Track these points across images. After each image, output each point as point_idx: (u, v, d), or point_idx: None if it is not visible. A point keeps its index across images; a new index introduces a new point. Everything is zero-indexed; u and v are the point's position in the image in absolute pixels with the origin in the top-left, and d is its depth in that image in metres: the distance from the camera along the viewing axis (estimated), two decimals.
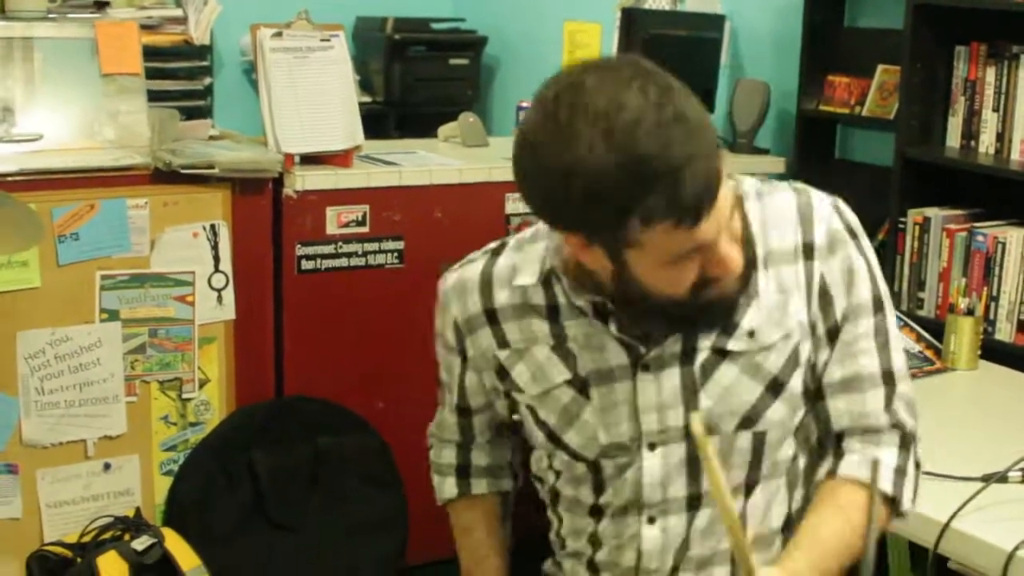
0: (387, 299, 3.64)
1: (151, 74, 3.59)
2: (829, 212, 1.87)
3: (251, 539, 3.48)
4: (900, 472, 1.90)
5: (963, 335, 3.19)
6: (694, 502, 1.91)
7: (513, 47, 5.87)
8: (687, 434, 1.88)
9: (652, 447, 1.89)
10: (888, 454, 1.90)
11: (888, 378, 1.90)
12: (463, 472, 2.20)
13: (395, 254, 3.63)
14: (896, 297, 3.79)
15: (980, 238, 3.61)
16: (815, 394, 1.91)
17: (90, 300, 3.27)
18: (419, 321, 3.70)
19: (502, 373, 1.99)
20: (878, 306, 1.89)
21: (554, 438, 1.97)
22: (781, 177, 4.43)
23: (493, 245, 2.04)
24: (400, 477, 3.64)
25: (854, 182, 4.27)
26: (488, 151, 4.15)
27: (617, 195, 1.59)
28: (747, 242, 1.83)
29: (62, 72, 3.44)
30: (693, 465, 1.89)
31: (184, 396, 3.43)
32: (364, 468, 3.61)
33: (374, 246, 3.60)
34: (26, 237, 2.43)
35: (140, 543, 3.18)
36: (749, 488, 1.91)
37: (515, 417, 2.06)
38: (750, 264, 1.82)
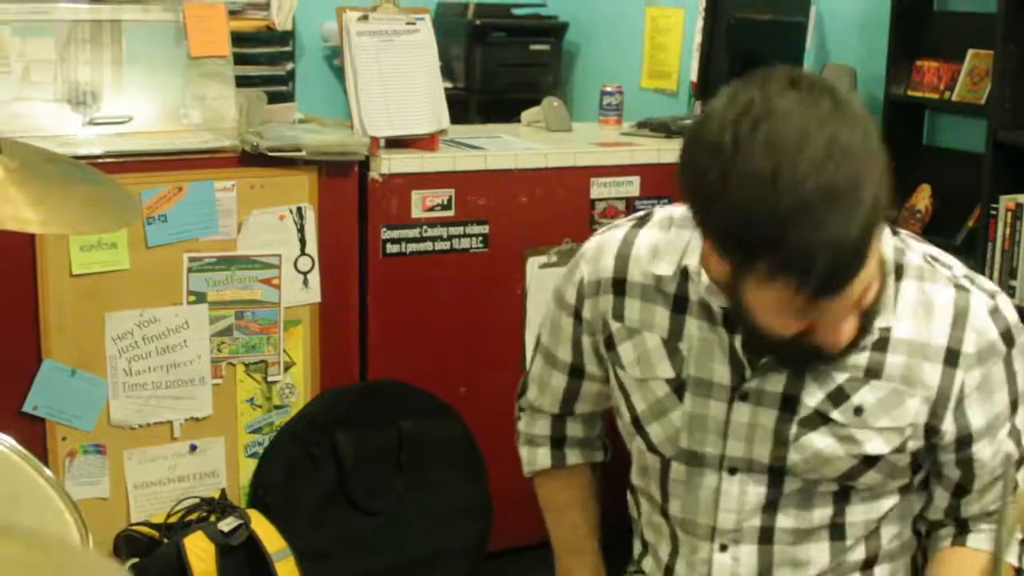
0: (472, 283, 3.64)
1: (234, 60, 3.59)
2: (985, 320, 1.81)
3: (334, 522, 3.48)
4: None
5: None
6: (767, 535, 1.91)
7: (594, 33, 5.84)
8: (770, 473, 1.87)
9: (733, 471, 1.89)
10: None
11: (1020, 464, 1.90)
12: (558, 443, 2.18)
13: (480, 238, 3.62)
14: None
15: None
16: (946, 487, 1.92)
17: (178, 282, 3.29)
18: (503, 305, 3.72)
19: (610, 343, 1.98)
20: (1014, 407, 1.86)
21: (637, 424, 1.97)
22: None
23: (640, 214, 2.00)
24: (483, 461, 3.63)
25: (942, 168, 4.21)
26: (572, 136, 4.13)
27: (746, 244, 1.54)
28: (872, 313, 1.75)
29: (150, 55, 3.45)
30: (771, 502, 1.89)
31: (269, 379, 3.44)
32: (447, 453, 3.61)
33: (459, 230, 3.59)
34: (120, 217, 2.43)
35: (226, 524, 3.20)
36: (833, 535, 1.92)
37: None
38: (864, 327, 1.74)
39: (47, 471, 2.10)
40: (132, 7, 3.48)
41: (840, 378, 1.80)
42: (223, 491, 3.40)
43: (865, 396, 1.81)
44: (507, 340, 3.71)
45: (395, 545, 3.52)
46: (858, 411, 1.81)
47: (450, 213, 3.57)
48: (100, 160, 3.14)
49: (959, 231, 4.02)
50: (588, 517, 2.16)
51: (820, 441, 1.83)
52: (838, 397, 1.81)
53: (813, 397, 1.81)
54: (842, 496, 1.89)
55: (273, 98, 3.80)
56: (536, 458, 2.19)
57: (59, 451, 3.22)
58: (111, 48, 3.41)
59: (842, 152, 1.49)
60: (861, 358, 1.80)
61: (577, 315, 2.03)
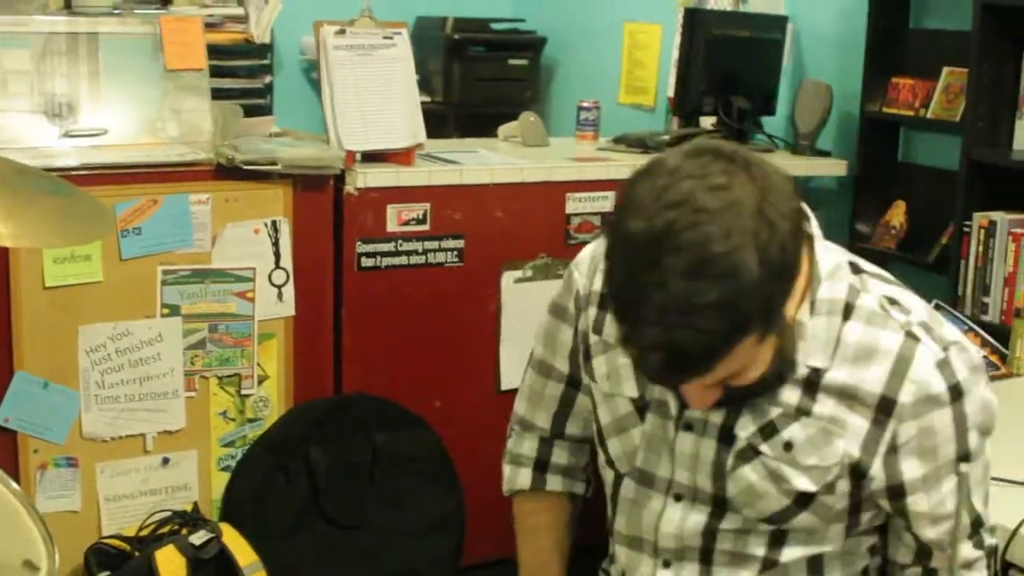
0: (447, 298, 3.64)
1: (212, 72, 3.58)
2: (929, 372, 1.75)
3: (308, 536, 3.48)
4: None
5: None
6: (707, 556, 1.90)
7: (572, 48, 5.86)
8: (713, 504, 1.87)
9: (678, 498, 1.90)
10: None
11: (976, 525, 1.86)
12: (541, 466, 2.16)
13: (455, 252, 3.62)
14: (961, 302, 3.75)
15: None
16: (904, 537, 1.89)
17: (151, 295, 3.28)
18: (478, 320, 3.72)
19: (587, 354, 2.00)
20: (963, 458, 1.79)
21: (600, 437, 1.99)
22: (841, 180, 4.40)
23: None
24: (457, 476, 3.63)
25: (917, 185, 4.24)
26: (549, 151, 4.14)
27: (616, 306, 1.62)
28: (786, 352, 1.75)
29: (126, 68, 3.45)
30: (710, 531, 1.88)
31: (243, 392, 3.43)
32: (421, 466, 3.60)
33: (434, 244, 3.59)
34: (92, 229, 2.43)
35: (198, 538, 3.19)
36: (767, 566, 1.90)
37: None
38: (787, 364, 1.75)
39: (14, 484, 2.09)
40: (109, 20, 3.49)
41: (773, 412, 1.80)
42: (195, 504, 3.40)
43: (795, 432, 1.79)
44: (482, 354, 3.71)
45: (368, 559, 3.51)
46: (787, 447, 1.79)
47: (425, 227, 3.58)
48: (76, 172, 3.13)
49: (933, 248, 4.05)
50: (556, 543, 2.14)
51: (751, 475, 1.82)
52: (769, 431, 1.80)
53: (746, 430, 1.81)
54: (778, 537, 1.87)
55: (251, 111, 3.81)
56: (517, 477, 2.17)
57: (31, 464, 3.21)
58: (88, 60, 3.41)
59: (713, 224, 1.52)
60: (793, 395, 1.79)
61: (576, 326, 2.04)
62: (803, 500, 1.82)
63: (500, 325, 3.71)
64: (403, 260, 3.56)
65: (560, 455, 2.16)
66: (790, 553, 1.88)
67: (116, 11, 3.61)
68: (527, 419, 2.17)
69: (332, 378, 3.57)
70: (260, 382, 3.45)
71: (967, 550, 1.85)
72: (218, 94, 3.63)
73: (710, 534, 1.88)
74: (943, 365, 1.76)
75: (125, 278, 3.24)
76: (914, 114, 4.12)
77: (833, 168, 4.38)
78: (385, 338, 3.60)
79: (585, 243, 3.66)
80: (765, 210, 1.54)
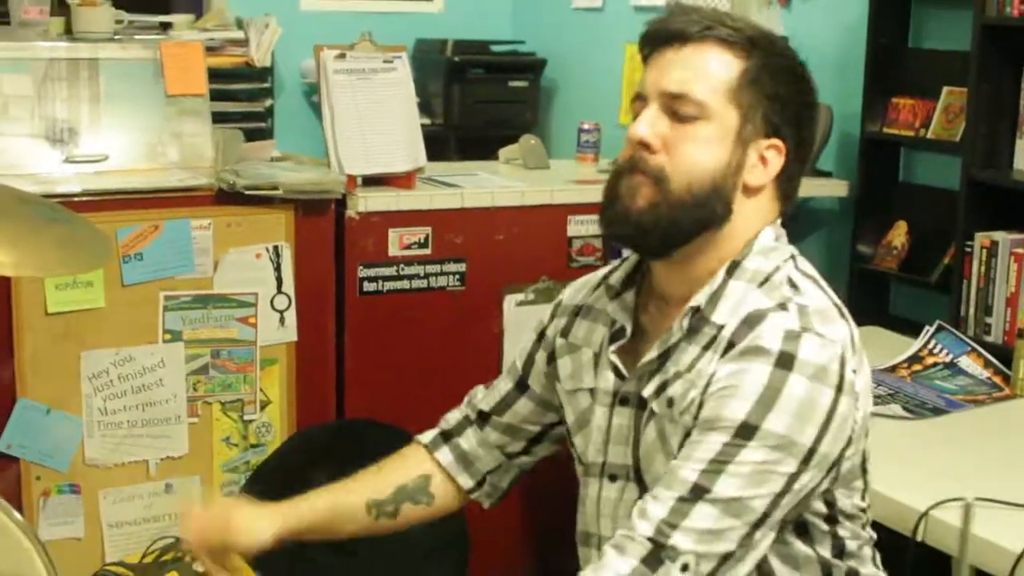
0: (449, 322, 3.63)
1: (212, 96, 3.60)
2: (770, 332, 1.71)
3: (311, 562, 3.46)
4: None
5: None
6: None
7: (572, 70, 5.86)
8: (638, 481, 1.87)
9: (613, 478, 1.92)
10: (621, 563, 1.68)
11: (696, 492, 1.68)
12: (446, 435, 2.22)
13: (457, 276, 3.62)
14: (963, 322, 3.74)
15: None
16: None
17: (153, 321, 3.28)
18: (481, 344, 3.72)
19: (551, 358, 2.07)
20: (745, 433, 1.67)
21: (569, 437, 2.05)
22: (842, 201, 4.40)
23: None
24: None
25: (918, 206, 4.23)
26: (550, 173, 4.14)
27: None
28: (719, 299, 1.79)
29: (127, 93, 3.46)
30: None
31: (246, 418, 3.43)
32: None
33: (436, 268, 3.59)
34: (93, 257, 2.43)
35: (201, 564, 3.17)
36: None
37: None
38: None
39: (16, 514, 2.09)
40: (110, 45, 3.50)
41: (670, 372, 1.81)
42: None
43: (677, 388, 1.78)
44: (484, 378, 3.66)
45: None
46: (669, 402, 1.79)
47: (427, 251, 3.57)
48: (77, 198, 3.14)
49: (935, 268, 4.04)
50: (366, 484, 2.29)
51: (649, 435, 1.84)
52: (660, 389, 1.82)
53: (648, 391, 1.83)
54: None
55: (252, 134, 3.81)
56: (426, 431, 2.27)
57: (33, 491, 3.20)
58: (89, 85, 3.42)
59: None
60: (691, 355, 1.79)
61: (541, 333, 2.12)
62: None
63: (503, 348, 3.70)
64: (405, 284, 3.56)
65: (469, 438, 2.20)
66: None
67: (117, 36, 3.61)
68: (474, 398, 2.25)
69: (335, 403, 3.56)
70: (263, 407, 3.44)
71: (653, 512, 1.69)
72: (219, 117, 3.63)
73: None
74: (790, 335, 1.70)
75: (127, 304, 3.23)
76: (914, 134, 4.12)
77: (834, 189, 4.38)
78: (387, 363, 3.59)
79: (587, 266, 3.72)
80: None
